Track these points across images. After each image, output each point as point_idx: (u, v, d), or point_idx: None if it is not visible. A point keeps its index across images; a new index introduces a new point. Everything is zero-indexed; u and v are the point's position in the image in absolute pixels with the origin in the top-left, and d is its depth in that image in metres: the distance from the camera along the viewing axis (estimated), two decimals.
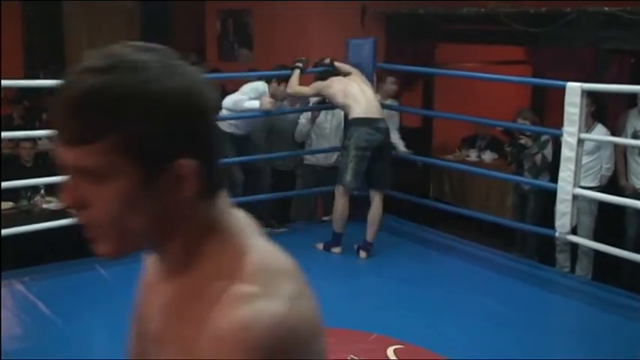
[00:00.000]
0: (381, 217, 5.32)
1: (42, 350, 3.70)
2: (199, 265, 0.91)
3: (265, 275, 0.87)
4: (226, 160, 5.75)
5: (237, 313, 0.82)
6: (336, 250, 5.40)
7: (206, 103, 0.90)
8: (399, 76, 6.54)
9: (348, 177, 5.19)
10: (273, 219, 5.99)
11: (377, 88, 6.14)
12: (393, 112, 6.52)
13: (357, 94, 5.31)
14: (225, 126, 5.70)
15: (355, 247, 5.38)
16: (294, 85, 5.59)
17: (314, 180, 6.21)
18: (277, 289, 0.85)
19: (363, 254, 5.34)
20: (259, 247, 0.92)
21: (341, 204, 5.28)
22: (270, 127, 6.14)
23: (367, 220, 5.33)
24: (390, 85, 6.36)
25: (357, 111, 5.24)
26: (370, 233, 5.32)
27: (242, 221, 0.96)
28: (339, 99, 5.37)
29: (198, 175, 0.88)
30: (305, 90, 5.65)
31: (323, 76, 5.57)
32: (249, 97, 5.53)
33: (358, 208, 5.79)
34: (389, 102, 6.42)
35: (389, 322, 4.17)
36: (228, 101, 5.56)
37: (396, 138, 6.49)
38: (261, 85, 5.68)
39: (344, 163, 5.27)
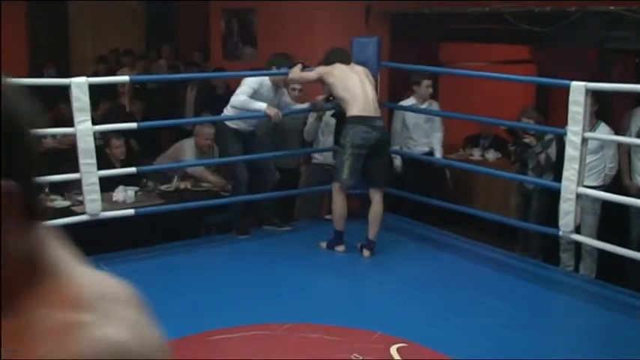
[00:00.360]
0: (382, 215, 5.32)
1: None
2: (24, 302, 0.79)
3: (100, 302, 0.78)
4: (231, 157, 5.77)
5: (72, 345, 0.73)
6: (340, 248, 5.41)
7: (19, 120, 0.78)
8: (402, 75, 6.53)
9: (345, 175, 5.19)
10: (277, 217, 6.00)
11: (411, 91, 6.32)
12: (436, 117, 6.51)
13: (356, 90, 5.28)
14: (231, 121, 5.71)
15: (358, 245, 5.38)
16: (296, 72, 5.61)
17: (322, 178, 6.17)
18: (115, 316, 0.77)
19: (366, 253, 5.34)
20: (90, 275, 0.83)
21: (339, 201, 5.28)
22: (274, 125, 6.15)
23: (369, 219, 5.34)
24: (426, 88, 6.34)
25: (355, 109, 5.22)
26: (372, 232, 5.32)
27: (66, 251, 0.86)
28: (339, 91, 5.35)
29: (15, 203, 0.77)
30: (307, 75, 5.62)
31: (328, 61, 5.53)
32: (252, 89, 5.53)
33: (359, 206, 5.79)
34: (425, 105, 6.42)
35: (392, 321, 4.18)
36: (235, 100, 5.57)
37: (436, 143, 6.46)
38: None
39: (340, 161, 5.26)
